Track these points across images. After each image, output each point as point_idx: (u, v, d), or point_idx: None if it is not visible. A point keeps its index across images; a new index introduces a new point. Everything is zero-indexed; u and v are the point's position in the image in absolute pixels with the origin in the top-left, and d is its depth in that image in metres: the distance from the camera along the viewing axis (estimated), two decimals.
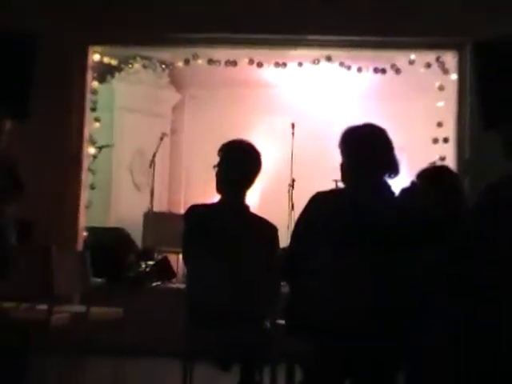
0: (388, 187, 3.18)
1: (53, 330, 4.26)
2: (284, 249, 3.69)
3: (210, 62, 7.51)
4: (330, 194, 3.28)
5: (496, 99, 5.57)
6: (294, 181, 7.95)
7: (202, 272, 3.56)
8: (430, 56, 6.83)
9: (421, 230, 3.06)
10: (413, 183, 3.57)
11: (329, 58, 7.22)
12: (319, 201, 3.18)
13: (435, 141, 6.71)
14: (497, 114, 5.52)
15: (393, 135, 3.23)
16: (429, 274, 2.94)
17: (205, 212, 3.75)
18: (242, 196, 3.75)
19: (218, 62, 7.52)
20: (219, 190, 3.75)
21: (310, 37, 6.35)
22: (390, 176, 3.18)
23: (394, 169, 3.19)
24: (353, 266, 3.00)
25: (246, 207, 3.76)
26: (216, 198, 3.80)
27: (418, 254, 2.99)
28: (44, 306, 4.31)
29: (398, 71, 7.32)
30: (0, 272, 4.18)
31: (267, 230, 3.71)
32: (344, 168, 3.24)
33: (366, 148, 3.18)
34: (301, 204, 3.32)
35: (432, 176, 3.82)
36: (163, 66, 8.35)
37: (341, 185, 3.35)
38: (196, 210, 3.77)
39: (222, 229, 3.61)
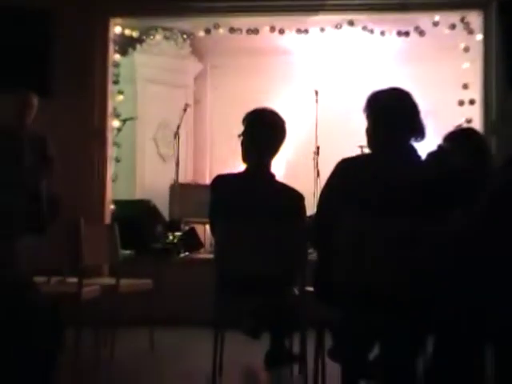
0: (414, 151, 3.14)
1: (84, 303, 4.31)
2: (311, 216, 3.69)
3: (232, 30, 7.44)
4: (355, 159, 3.26)
5: None
6: (318, 148, 7.88)
7: (230, 241, 3.57)
8: (454, 17, 6.70)
9: (449, 193, 3.03)
10: (439, 147, 3.53)
11: (351, 23, 7.12)
12: (345, 167, 3.15)
13: (461, 103, 6.61)
14: None
15: (418, 98, 3.20)
16: (455, 238, 2.91)
17: (231, 181, 3.76)
18: (268, 164, 3.74)
19: (240, 30, 7.46)
20: (245, 159, 3.75)
21: (331, 1, 6.26)
22: (416, 140, 3.15)
23: (420, 132, 3.15)
24: (380, 232, 2.98)
25: (272, 175, 3.75)
26: (241, 167, 3.79)
27: (444, 217, 2.96)
28: (74, 280, 4.36)
29: (421, 33, 7.20)
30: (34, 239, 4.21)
31: (293, 198, 3.71)
32: (370, 133, 3.21)
33: (392, 112, 3.14)
34: (326, 171, 3.30)
35: (458, 138, 3.79)
36: (184, 37, 8.31)
37: (366, 150, 3.32)
38: (222, 180, 3.77)
39: (249, 197, 3.62)
